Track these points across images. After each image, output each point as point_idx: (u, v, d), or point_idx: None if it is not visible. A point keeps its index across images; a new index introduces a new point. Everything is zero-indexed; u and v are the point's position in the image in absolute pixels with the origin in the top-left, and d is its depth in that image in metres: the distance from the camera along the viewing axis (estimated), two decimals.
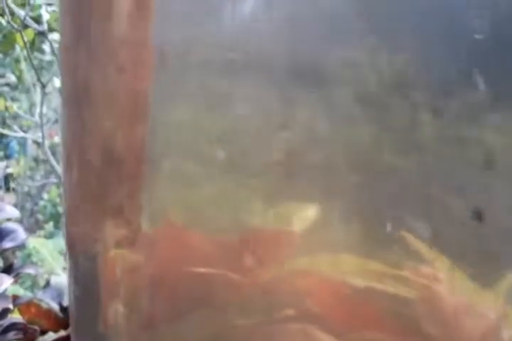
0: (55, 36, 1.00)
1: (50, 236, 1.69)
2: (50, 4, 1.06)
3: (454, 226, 0.28)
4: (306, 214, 0.29)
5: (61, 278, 0.58)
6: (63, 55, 0.36)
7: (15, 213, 0.64)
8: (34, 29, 1.01)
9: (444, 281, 0.28)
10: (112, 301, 0.32)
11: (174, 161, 0.31)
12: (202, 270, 0.30)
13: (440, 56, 0.27)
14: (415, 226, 0.28)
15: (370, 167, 0.28)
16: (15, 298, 0.54)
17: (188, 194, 0.31)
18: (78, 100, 0.33)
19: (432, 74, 0.28)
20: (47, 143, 1.04)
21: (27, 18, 0.92)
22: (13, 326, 0.49)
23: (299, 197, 0.29)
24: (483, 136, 0.28)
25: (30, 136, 1.52)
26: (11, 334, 0.49)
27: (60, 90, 0.36)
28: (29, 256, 1.26)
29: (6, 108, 1.51)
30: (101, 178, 0.32)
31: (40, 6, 1.03)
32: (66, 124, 0.35)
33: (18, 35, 1.01)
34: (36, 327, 0.50)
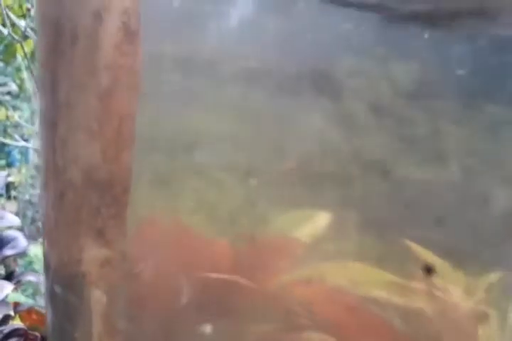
0: None
1: None
2: None
3: (470, 237, 0.28)
4: (317, 223, 0.29)
5: None
6: (41, 73, 0.35)
7: (16, 221, 0.65)
8: (34, 40, 1.01)
9: (453, 292, 0.28)
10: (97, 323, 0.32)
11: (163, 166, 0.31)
12: (212, 276, 0.30)
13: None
14: (427, 237, 0.28)
15: (382, 177, 0.28)
16: (16, 305, 0.54)
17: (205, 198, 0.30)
18: (58, 121, 0.33)
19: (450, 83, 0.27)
20: None
21: (27, 29, 0.93)
22: (14, 332, 0.50)
23: (310, 205, 0.29)
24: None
25: (31, 145, 1.52)
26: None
27: (39, 109, 0.35)
28: (30, 263, 1.26)
29: (8, 117, 1.51)
30: (82, 201, 0.31)
31: None
32: (45, 145, 0.34)
33: (18, 46, 1.02)
34: (37, 334, 0.51)
